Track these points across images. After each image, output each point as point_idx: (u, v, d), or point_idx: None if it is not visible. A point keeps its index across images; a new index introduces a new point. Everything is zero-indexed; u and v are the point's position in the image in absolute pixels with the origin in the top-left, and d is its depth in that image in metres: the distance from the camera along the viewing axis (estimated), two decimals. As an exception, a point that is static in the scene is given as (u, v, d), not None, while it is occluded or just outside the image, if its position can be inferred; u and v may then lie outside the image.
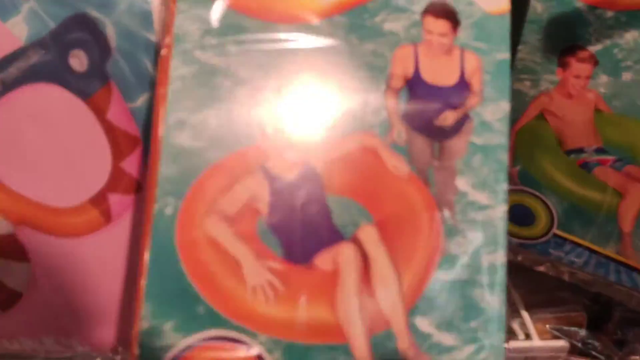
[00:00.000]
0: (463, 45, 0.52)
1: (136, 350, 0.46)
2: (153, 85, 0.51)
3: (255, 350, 0.47)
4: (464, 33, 0.52)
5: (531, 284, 0.68)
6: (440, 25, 0.52)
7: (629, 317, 0.69)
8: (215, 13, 0.51)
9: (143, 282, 0.46)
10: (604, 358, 0.66)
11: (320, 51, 0.51)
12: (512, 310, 0.67)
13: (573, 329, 0.67)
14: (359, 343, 0.48)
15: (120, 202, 0.51)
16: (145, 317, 0.46)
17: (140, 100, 0.52)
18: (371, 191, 0.50)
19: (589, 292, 0.67)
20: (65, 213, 0.51)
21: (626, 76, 0.62)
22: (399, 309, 0.49)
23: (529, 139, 0.66)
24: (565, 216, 0.65)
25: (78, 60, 0.49)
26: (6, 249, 0.50)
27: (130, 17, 0.51)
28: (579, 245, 0.65)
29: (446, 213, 0.51)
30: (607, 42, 0.62)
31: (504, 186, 0.52)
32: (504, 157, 0.52)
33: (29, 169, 0.50)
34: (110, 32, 0.51)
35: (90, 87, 0.50)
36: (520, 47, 0.64)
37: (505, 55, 0.53)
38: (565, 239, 0.66)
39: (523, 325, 0.67)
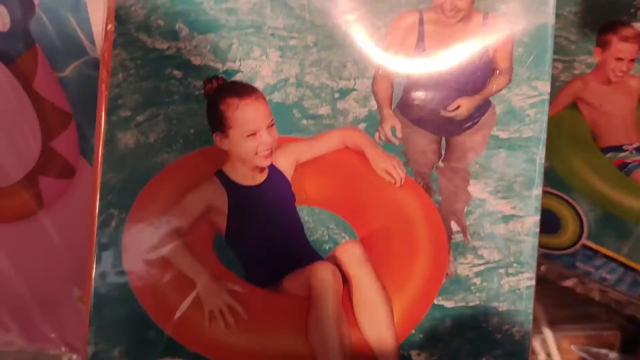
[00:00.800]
0: (487, 8, 0.40)
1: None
2: (83, 53, 0.44)
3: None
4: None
5: (559, 295, 0.60)
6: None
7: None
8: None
9: (89, 304, 0.42)
10: (635, 385, 0.61)
11: (291, 29, 0.40)
12: (534, 326, 0.55)
13: (603, 350, 0.59)
14: (336, 375, 0.42)
15: (53, 187, 0.46)
16: (91, 342, 0.42)
17: (70, 70, 0.45)
18: (355, 201, 0.41)
19: (625, 316, 0.59)
20: None
21: None
22: (388, 340, 0.41)
23: (558, 132, 0.55)
24: (597, 225, 0.56)
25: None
26: None
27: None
28: (613, 259, 0.56)
29: (454, 226, 0.42)
30: None
31: (536, 192, 0.41)
32: (540, 154, 0.41)
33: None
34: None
35: (13, 49, 0.44)
36: None
37: (547, 17, 0.40)
38: (596, 252, 0.56)
39: (545, 343, 0.59)
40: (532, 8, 0.40)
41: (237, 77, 0.40)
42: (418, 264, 0.41)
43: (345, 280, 0.40)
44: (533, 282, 0.41)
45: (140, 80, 0.40)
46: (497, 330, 0.41)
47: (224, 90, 0.40)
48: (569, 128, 0.55)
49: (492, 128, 0.41)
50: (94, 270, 0.40)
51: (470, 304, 0.41)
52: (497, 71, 0.40)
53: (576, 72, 0.53)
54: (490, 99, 0.40)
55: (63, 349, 0.47)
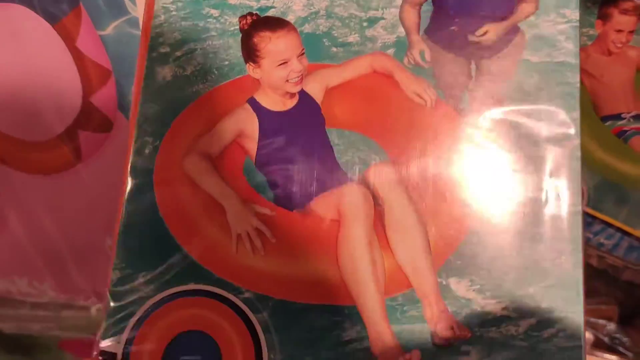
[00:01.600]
0: None
1: (109, 302, 0.41)
2: (124, 12, 0.47)
3: (238, 308, 0.39)
4: None
5: None
6: None
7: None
8: None
9: (117, 229, 0.41)
10: (632, 355, 0.55)
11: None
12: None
13: (600, 321, 0.57)
14: (370, 306, 0.38)
15: (92, 140, 0.47)
16: (117, 267, 0.40)
17: (111, 28, 0.47)
18: (385, 123, 0.41)
19: (623, 284, 0.58)
20: (34, 148, 0.47)
21: None
22: (424, 265, 0.38)
23: None
24: (596, 192, 0.56)
25: (46, -20, 0.47)
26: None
27: None
28: (610, 225, 0.56)
29: (487, 149, 0.40)
30: None
31: (575, 115, 0.40)
32: (575, 79, 0.40)
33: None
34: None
35: (59, 10, 0.47)
36: None
37: None
38: (594, 218, 0.57)
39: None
40: None
41: (270, 13, 0.42)
42: (455, 183, 0.39)
43: (377, 203, 0.39)
44: (579, 209, 0.39)
45: (180, 21, 0.43)
46: (545, 257, 0.38)
47: (258, 24, 0.42)
48: None
49: (522, 53, 0.41)
50: (126, 194, 0.40)
51: (515, 229, 0.38)
52: (524, -1, 0.41)
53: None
54: (520, 24, 0.41)
55: (93, 299, 0.46)
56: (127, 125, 0.46)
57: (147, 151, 0.41)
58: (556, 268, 0.38)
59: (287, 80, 0.41)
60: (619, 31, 0.55)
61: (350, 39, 0.42)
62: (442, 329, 0.38)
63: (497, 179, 0.39)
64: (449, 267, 0.38)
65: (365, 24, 0.42)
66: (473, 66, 0.41)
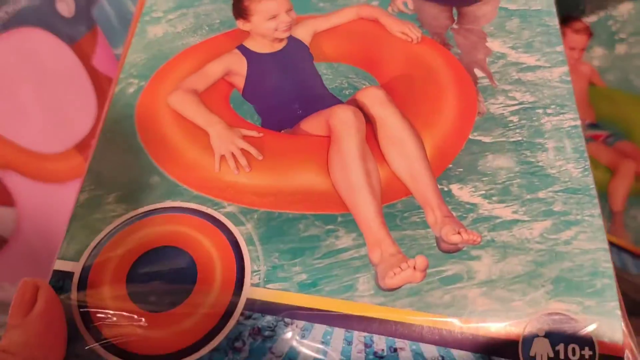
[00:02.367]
0: None
1: (71, 221, 0.35)
2: None
3: (219, 222, 0.35)
4: None
5: None
6: None
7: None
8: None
9: (92, 150, 0.38)
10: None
11: None
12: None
13: None
14: (367, 212, 0.34)
15: None
16: (85, 189, 0.36)
17: None
18: (373, 55, 0.41)
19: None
20: (51, 159, 0.47)
21: (620, 49, 0.60)
22: (422, 172, 0.35)
23: None
24: None
25: (65, 5, 0.49)
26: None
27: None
28: None
29: (478, 72, 0.39)
30: (602, 13, 0.60)
31: (558, 48, 0.40)
32: (554, 22, 0.42)
33: (16, 113, 0.47)
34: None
35: (76, 32, 0.50)
36: None
37: None
38: None
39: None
40: None
41: (260, -24, 0.45)
42: (445, 101, 0.38)
43: (369, 120, 0.37)
44: (578, 122, 0.37)
45: (173, -10, 0.45)
46: (547, 164, 0.35)
47: (248, -14, 0.44)
48: None
49: (501, 0, 0.42)
50: (104, 114, 0.38)
51: (512, 140, 0.36)
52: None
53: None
54: (495, -21, 0.43)
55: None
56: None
57: (131, 90, 0.40)
58: (563, 174, 0.35)
59: (276, 29, 0.42)
60: (572, 49, 0.61)
61: (335, -6, 0.44)
62: (447, 233, 0.33)
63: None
64: (449, 174, 0.35)
65: (350, -19, 0.44)
66: (455, 11, 0.43)
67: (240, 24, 0.42)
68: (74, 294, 0.33)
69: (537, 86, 0.39)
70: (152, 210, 0.35)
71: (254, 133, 0.38)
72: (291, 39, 0.42)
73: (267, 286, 0.33)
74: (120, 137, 0.38)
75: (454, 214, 0.34)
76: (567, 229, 0.34)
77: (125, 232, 0.34)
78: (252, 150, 0.37)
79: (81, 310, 0.32)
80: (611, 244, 0.50)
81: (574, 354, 0.30)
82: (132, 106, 0.39)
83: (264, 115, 0.39)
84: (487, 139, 0.37)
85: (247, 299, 0.32)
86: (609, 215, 0.59)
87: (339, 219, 0.34)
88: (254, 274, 0.33)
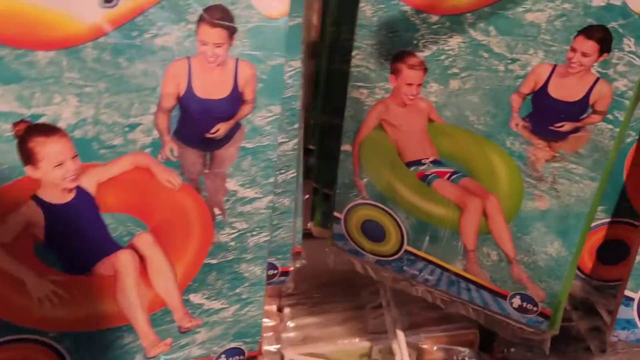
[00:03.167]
0: (238, 55, 0.53)
1: None
2: None
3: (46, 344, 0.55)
4: (240, 41, 0.51)
5: (422, 300, 0.65)
6: (215, 35, 0.51)
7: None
8: None
9: None
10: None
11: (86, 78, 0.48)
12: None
13: (457, 348, 0.64)
14: (139, 319, 0.58)
15: None
16: None
17: None
18: (145, 204, 0.55)
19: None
20: None
21: (454, 84, 0.57)
22: (173, 290, 0.59)
23: (371, 150, 0.62)
24: (414, 232, 0.62)
25: None
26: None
27: None
28: (430, 262, 0.61)
29: (216, 211, 0.58)
30: (434, 48, 0.57)
31: (270, 180, 0.59)
32: (273, 155, 0.58)
33: None
34: None
35: None
36: (354, 53, 0.60)
37: (280, 60, 0.54)
38: (417, 256, 0.61)
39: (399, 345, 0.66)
40: (269, 55, 0.53)
41: (42, 120, 0.48)
42: (192, 238, 0.58)
43: (142, 259, 0.56)
44: (268, 238, 0.61)
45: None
46: (245, 270, 0.61)
47: (32, 130, 0.48)
48: (378, 147, 0.62)
49: (242, 142, 0.56)
50: None
51: (229, 258, 0.60)
52: (245, 102, 0.55)
53: (378, 97, 0.61)
54: (241, 121, 0.55)
55: None
56: None
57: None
58: (250, 274, 0.62)
59: (65, 178, 0.50)
60: (409, 84, 0.59)
61: (115, 142, 0.51)
62: (182, 324, 0.60)
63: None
64: (190, 288, 0.59)
65: (127, 128, 0.51)
66: (208, 155, 0.55)
67: (30, 171, 0.48)
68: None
69: (250, 215, 0.58)
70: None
71: (60, 278, 0.52)
72: (79, 190, 0.51)
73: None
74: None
75: (189, 311, 0.59)
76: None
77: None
78: (60, 292, 0.53)
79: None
80: (470, 281, 0.59)
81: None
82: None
83: (65, 263, 0.52)
84: (214, 261, 0.59)
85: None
86: (464, 252, 0.59)
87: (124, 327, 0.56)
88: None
